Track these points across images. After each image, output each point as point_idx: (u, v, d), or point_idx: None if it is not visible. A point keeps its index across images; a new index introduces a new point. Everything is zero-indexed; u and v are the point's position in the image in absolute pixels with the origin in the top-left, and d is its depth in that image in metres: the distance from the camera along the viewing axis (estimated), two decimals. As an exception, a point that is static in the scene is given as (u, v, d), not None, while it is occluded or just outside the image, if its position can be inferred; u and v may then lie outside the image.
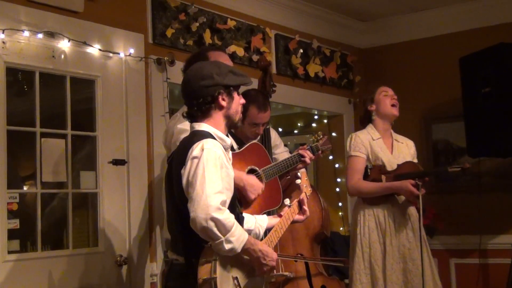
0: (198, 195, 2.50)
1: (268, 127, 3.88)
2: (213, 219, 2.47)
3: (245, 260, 2.67)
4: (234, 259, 2.63)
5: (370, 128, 4.24)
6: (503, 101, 4.74)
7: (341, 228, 5.96)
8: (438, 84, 5.84)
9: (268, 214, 3.47)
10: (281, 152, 4.04)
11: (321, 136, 3.89)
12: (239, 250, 2.56)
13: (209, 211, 2.47)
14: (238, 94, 2.82)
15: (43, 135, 3.74)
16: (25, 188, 3.84)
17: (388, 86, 4.35)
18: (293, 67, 5.49)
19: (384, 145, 4.18)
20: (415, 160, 4.28)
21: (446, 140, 5.83)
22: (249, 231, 2.89)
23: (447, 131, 5.80)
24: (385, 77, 6.07)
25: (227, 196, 2.61)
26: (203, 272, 2.54)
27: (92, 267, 3.85)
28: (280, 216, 2.99)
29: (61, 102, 3.87)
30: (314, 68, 5.68)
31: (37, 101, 3.71)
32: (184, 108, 3.22)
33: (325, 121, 6.26)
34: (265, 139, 3.83)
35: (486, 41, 5.03)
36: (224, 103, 2.74)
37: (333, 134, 6.12)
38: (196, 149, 2.59)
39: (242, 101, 2.85)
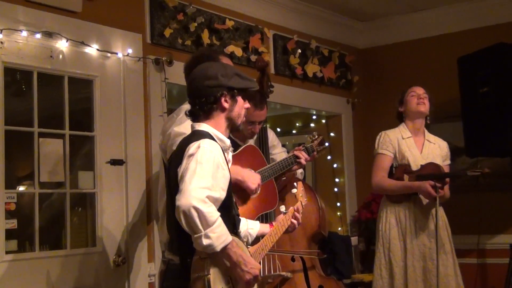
0: (185, 186, 2.49)
1: (265, 126, 3.88)
2: (196, 209, 2.43)
3: None
4: None
5: (402, 126, 4.32)
6: (501, 101, 4.75)
7: (339, 228, 5.97)
8: (437, 84, 5.82)
9: (265, 216, 3.48)
10: (278, 153, 4.04)
11: (316, 137, 3.90)
12: (218, 249, 2.49)
13: (192, 201, 2.44)
14: (244, 98, 2.80)
15: (41, 135, 3.74)
16: (23, 188, 3.85)
17: (418, 85, 4.39)
18: (291, 67, 5.49)
19: (414, 144, 4.24)
20: (447, 161, 4.33)
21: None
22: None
23: (445, 131, 5.77)
24: (384, 77, 6.09)
25: (220, 195, 2.59)
26: (197, 268, 2.52)
27: (90, 267, 3.85)
28: (271, 225, 2.99)
29: (59, 102, 3.87)
30: (312, 68, 5.68)
31: (35, 101, 3.71)
32: (181, 109, 3.22)
33: (324, 121, 6.26)
34: (262, 139, 3.83)
35: (484, 41, 5.03)
36: (226, 105, 2.73)
37: (332, 134, 6.13)
38: (192, 148, 2.59)
39: (247, 105, 2.84)
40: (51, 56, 3.76)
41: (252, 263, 2.59)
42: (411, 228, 4.09)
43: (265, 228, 2.98)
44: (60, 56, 3.81)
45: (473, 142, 4.99)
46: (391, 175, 4.20)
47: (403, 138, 4.24)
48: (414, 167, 4.17)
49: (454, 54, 5.23)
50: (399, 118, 4.39)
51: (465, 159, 5.32)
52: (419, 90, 4.32)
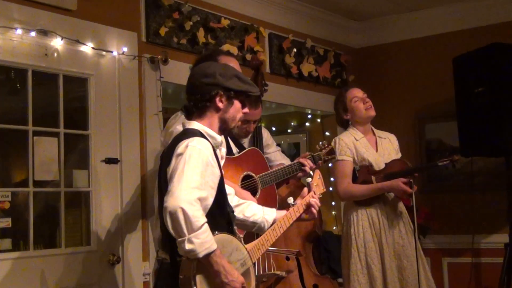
0: (173, 187, 2.47)
1: (259, 125, 3.88)
2: (183, 211, 2.41)
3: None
4: None
5: (351, 129, 4.23)
6: (495, 100, 4.76)
7: (334, 228, 5.97)
8: (431, 84, 5.85)
9: None
10: (273, 152, 4.04)
11: (326, 145, 3.88)
12: (200, 255, 2.45)
13: (180, 202, 2.42)
14: (242, 102, 2.77)
15: (36, 133, 3.72)
16: (17, 186, 3.83)
17: (356, 87, 4.32)
18: (286, 66, 5.49)
19: (368, 144, 4.19)
20: (399, 154, 4.29)
21: (439, 140, 5.85)
22: (254, 224, 2.89)
23: (440, 130, 5.81)
24: (379, 76, 6.10)
25: (209, 193, 2.57)
26: (185, 269, 2.51)
27: (85, 266, 3.84)
28: (287, 210, 2.96)
29: (54, 101, 3.85)
30: (307, 68, 5.68)
31: (29, 100, 3.69)
32: None
33: (319, 120, 6.26)
34: (257, 138, 3.84)
35: (479, 41, 5.04)
36: (221, 105, 2.71)
37: (327, 133, 6.12)
38: (181, 147, 2.58)
39: (245, 111, 2.80)
40: (45, 54, 3.75)
41: (233, 276, 2.53)
42: (385, 228, 4.04)
43: (281, 216, 2.95)
44: (55, 54, 3.80)
45: (467, 141, 5.00)
46: (354, 178, 4.12)
47: (356, 140, 4.17)
48: (376, 166, 4.11)
49: (449, 54, 5.24)
50: (344, 125, 4.29)
51: (459, 159, 5.33)
52: (359, 93, 4.23)
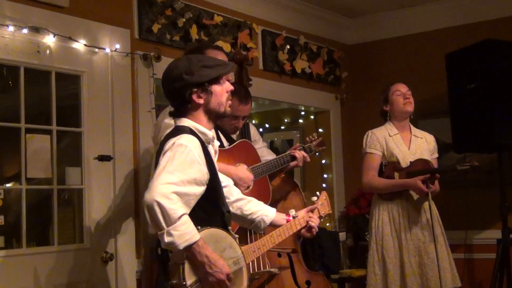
0: (151, 182, 2.48)
1: (247, 121, 3.89)
2: (159, 204, 2.41)
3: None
4: None
5: (388, 124, 4.35)
6: (488, 97, 4.77)
7: (327, 224, 5.98)
8: (425, 80, 5.85)
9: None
10: (259, 148, 4.05)
11: (315, 137, 3.95)
12: (180, 247, 2.43)
13: (155, 196, 2.42)
14: (221, 83, 2.72)
15: (28, 131, 3.71)
16: (9, 184, 3.82)
17: (401, 82, 4.44)
18: (280, 63, 5.49)
19: (401, 141, 4.28)
20: (435, 155, 4.39)
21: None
22: (251, 221, 2.94)
23: (433, 127, 5.79)
24: (372, 73, 6.10)
25: (192, 190, 2.54)
26: (175, 257, 2.52)
27: (78, 263, 3.84)
28: (288, 216, 3.02)
29: (47, 98, 3.85)
30: (301, 64, 5.68)
31: (22, 97, 3.68)
32: None
33: (312, 117, 6.27)
34: (245, 134, 3.84)
35: (472, 37, 5.06)
36: (200, 101, 2.68)
37: (320, 130, 6.13)
38: (168, 145, 2.58)
39: (230, 88, 2.76)
40: (38, 52, 3.74)
41: (218, 266, 2.50)
42: (405, 224, 4.13)
43: (280, 218, 3.00)
44: (47, 52, 3.79)
45: (460, 138, 5.02)
46: (381, 173, 4.23)
47: (390, 136, 4.28)
48: (403, 163, 4.21)
49: (442, 50, 5.25)
50: (384, 116, 4.41)
51: (452, 155, 5.35)
52: (403, 88, 4.35)
